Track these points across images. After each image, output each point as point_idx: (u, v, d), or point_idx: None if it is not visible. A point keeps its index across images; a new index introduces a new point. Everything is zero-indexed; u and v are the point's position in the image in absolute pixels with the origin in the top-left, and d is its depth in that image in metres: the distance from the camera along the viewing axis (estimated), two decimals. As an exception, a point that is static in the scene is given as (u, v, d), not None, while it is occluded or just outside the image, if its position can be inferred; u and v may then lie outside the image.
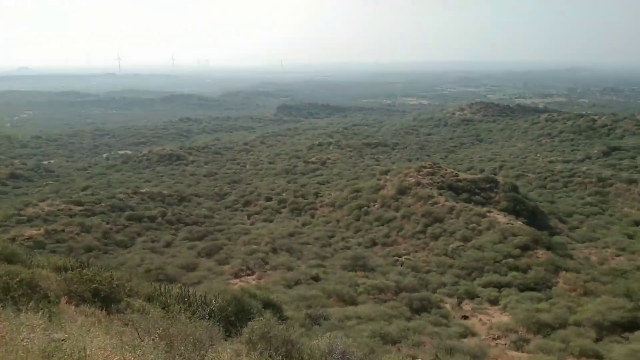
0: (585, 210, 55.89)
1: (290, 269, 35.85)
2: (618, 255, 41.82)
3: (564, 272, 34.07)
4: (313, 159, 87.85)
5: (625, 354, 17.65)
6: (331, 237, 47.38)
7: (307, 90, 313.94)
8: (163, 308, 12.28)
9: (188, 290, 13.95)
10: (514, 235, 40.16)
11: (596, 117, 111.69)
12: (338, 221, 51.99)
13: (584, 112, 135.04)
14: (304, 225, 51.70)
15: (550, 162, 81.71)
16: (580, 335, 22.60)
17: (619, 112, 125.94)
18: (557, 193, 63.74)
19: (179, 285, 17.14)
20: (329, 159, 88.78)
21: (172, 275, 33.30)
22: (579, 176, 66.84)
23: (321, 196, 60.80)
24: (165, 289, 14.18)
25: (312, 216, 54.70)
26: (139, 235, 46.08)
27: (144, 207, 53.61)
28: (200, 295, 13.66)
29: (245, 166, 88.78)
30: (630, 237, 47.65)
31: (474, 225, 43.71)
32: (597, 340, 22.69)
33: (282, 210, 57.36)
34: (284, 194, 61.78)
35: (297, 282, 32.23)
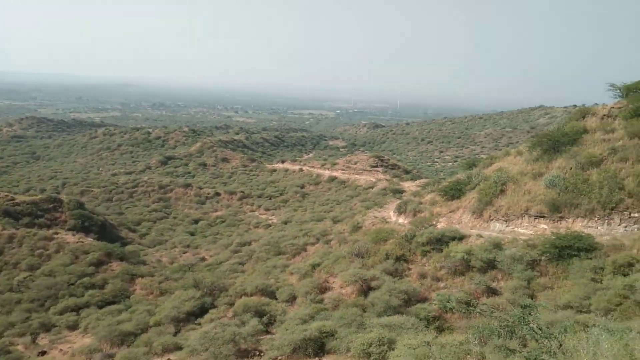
0: (152, 217, 59.75)
1: None
2: (185, 252, 46.70)
3: (140, 278, 35.32)
4: None
5: (199, 337, 19.83)
6: None
7: None
8: None
9: None
10: (86, 252, 38.73)
11: (151, 130, 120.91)
12: None
13: (139, 126, 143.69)
14: None
15: (114, 175, 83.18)
16: (161, 334, 23.89)
17: (169, 125, 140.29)
18: (124, 204, 65.46)
19: None
20: None
21: None
22: (142, 185, 70.78)
23: None
24: None
25: None
26: None
27: None
28: None
29: None
30: (192, 234, 54.06)
31: (41, 250, 39.64)
32: (176, 333, 24.56)
33: None
34: None
35: None
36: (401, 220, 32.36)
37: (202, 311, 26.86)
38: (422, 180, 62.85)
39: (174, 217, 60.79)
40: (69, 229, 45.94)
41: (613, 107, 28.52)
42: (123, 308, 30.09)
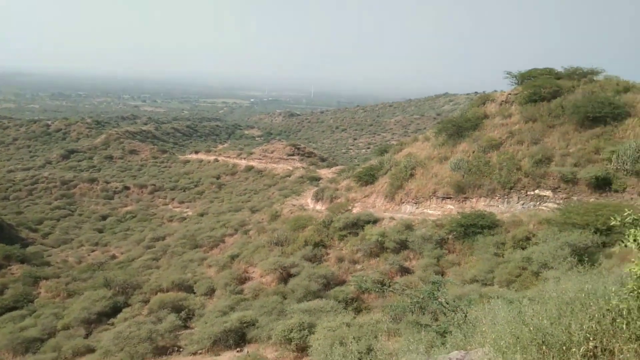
0: (55, 215, 55.75)
1: None
2: (93, 251, 44.18)
3: (45, 280, 32.98)
4: None
5: (113, 337, 18.96)
6: None
7: None
8: None
9: None
10: (-19, 257, 35.44)
11: (50, 122, 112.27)
12: None
13: (36, 118, 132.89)
14: None
15: (10, 171, 76.33)
16: (71, 337, 22.54)
17: (70, 117, 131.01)
18: (22, 202, 60.46)
19: None
20: None
21: None
22: (43, 182, 65.73)
23: None
24: None
25: None
26: None
27: None
28: None
29: None
30: (100, 231, 51.22)
31: None
32: (87, 335, 23.28)
33: None
34: None
35: None
36: (319, 207, 32.87)
37: (115, 311, 25.69)
38: (337, 167, 64.13)
39: (80, 214, 57.19)
40: (-43, 233, 41.72)
41: (510, 94, 30.75)
42: (26, 313, 27.93)
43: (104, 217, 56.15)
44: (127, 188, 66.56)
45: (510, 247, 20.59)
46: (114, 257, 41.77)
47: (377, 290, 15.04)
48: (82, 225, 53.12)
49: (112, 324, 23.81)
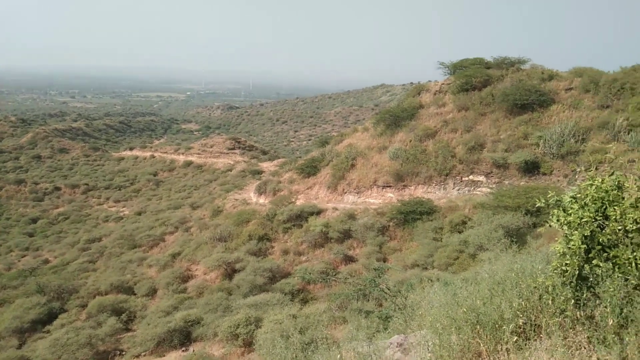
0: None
1: None
2: (24, 256, 41.75)
3: (-31, 291, 30.84)
4: None
5: (49, 345, 18.09)
6: None
7: None
8: None
9: None
10: None
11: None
12: None
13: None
14: None
15: None
16: (2, 349, 21.28)
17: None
18: (-60, 209, 56.06)
19: None
20: None
21: None
22: (-37, 185, 61.15)
23: None
24: None
25: None
26: None
27: None
28: None
29: None
30: (31, 235, 48.44)
31: None
32: (21, 345, 22.06)
33: None
34: None
35: None
36: (262, 200, 32.69)
37: (50, 317, 24.46)
38: (279, 160, 63.92)
39: (7, 219, 53.78)
40: None
41: (443, 84, 31.79)
42: (-51, 327, 26.04)
43: (34, 220, 53.11)
44: (58, 189, 63.21)
45: (448, 232, 21.40)
46: (47, 261, 39.64)
47: (322, 280, 15.22)
48: (10, 230, 50.01)
49: (48, 332, 22.67)
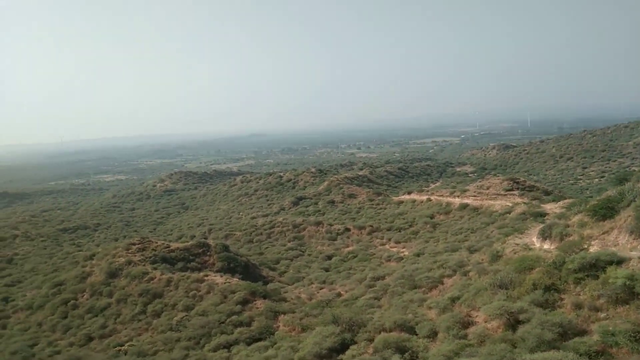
0: (289, 255, 62.45)
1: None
2: (321, 288, 47.79)
3: (282, 315, 36.75)
4: (-7, 259, 73.02)
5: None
6: (34, 345, 39.67)
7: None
8: None
9: None
10: (233, 292, 41.44)
11: (282, 174, 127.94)
12: (40, 325, 44.04)
13: (272, 171, 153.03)
14: (-9, 341, 41.78)
15: (252, 217, 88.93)
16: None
17: (297, 167, 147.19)
18: (263, 244, 69.42)
19: None
20: (16, 254, 75.45)
21: None
22: (278, 226, 74.58)
23: (13, 300, 50.98)
24: None
25: (4, 327, 44.90)
26: None
27: None
28: None
29: None
30: (326, 270, 55.29)
31: (194, 292, 43.36)
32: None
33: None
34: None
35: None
36: (546, 246, 29.95)
37: (342, 347, 26.99)
38: (566, 201, 57.68)
39: (309, 254, 62.78)
40: (217, 271, 49.75)
41: None
42: (269, 344, 31.43)
43: (329, 257, 60.51)
44: (347, 230, 70.81)
45: None
46: (339, 294, 44.38)
47: (629, 344, 12.86)
48: (311, 265, 58.12)
49: (342, 360, 25.06)
